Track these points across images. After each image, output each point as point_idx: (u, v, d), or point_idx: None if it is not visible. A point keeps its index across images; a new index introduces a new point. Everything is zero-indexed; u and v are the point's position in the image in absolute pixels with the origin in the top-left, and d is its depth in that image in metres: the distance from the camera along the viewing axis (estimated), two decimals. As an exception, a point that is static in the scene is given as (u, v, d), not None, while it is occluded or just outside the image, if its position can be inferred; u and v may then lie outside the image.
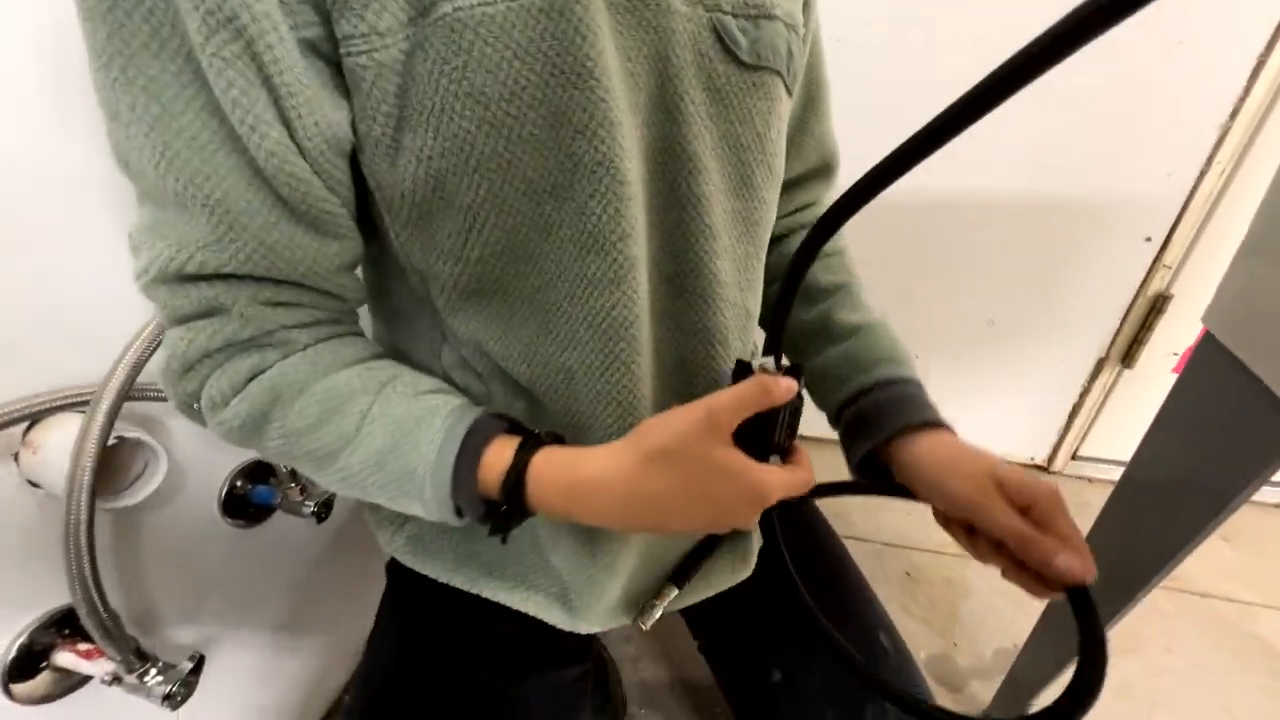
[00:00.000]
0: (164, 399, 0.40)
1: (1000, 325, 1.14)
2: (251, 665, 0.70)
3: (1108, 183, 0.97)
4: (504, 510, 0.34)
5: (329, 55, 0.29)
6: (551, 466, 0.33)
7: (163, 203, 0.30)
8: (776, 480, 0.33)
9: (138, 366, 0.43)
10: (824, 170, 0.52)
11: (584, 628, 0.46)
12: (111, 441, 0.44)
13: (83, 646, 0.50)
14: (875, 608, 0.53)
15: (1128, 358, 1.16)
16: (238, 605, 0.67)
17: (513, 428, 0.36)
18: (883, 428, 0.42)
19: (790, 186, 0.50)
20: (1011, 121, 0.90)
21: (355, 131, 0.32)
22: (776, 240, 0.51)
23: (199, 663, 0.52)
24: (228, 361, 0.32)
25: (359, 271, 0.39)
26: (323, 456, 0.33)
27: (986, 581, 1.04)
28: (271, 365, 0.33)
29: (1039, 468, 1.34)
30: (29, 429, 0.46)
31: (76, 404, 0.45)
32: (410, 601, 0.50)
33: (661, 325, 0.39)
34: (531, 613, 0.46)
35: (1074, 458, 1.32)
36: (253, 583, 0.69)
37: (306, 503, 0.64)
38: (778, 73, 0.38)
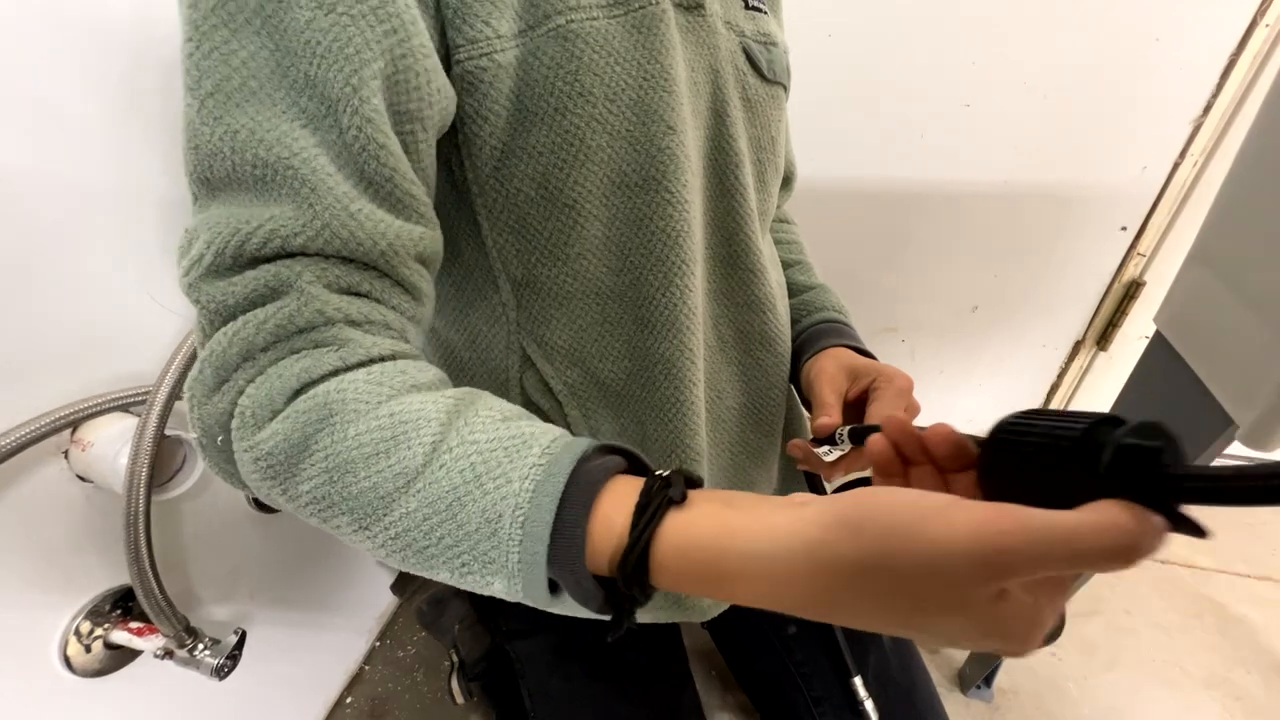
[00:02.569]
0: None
1: (983, 310, 1.18)
2: (279, 639, 0.75)
3: (1086, 174, 1.00)
4: (621, 593, 0.25)
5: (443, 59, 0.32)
6: (690, 542, 0.24)
7: (236, 187, 0.28)
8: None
9: (185, 370, 0.46)
10: (789, 179, 0.60)
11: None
12: (158, 439, 0.48)
13: (134, 625, 0.54)
14: None
15: (1103, 341, 1.21)
16: (267, 585, 0.72)
17: (631, 465, 0.28)
18: (805, 352, 0.50)
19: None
20: (996, 117, 0.93)
21: (460, 135, 0.34)
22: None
23: (242, 637, 0.57)
24: (273, 365, 0.28)
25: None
26: (372, 504, 0.26)
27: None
28: (325, 375, 0.28)
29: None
30: (76, 428, 0.50)
31: (119, 405, 0.49)
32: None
33: (717, 302, 0.45)
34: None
35: (1050, 435, 1.38)
36: (280, 564, 0.74)
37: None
38: (785, 87, 0.46)
